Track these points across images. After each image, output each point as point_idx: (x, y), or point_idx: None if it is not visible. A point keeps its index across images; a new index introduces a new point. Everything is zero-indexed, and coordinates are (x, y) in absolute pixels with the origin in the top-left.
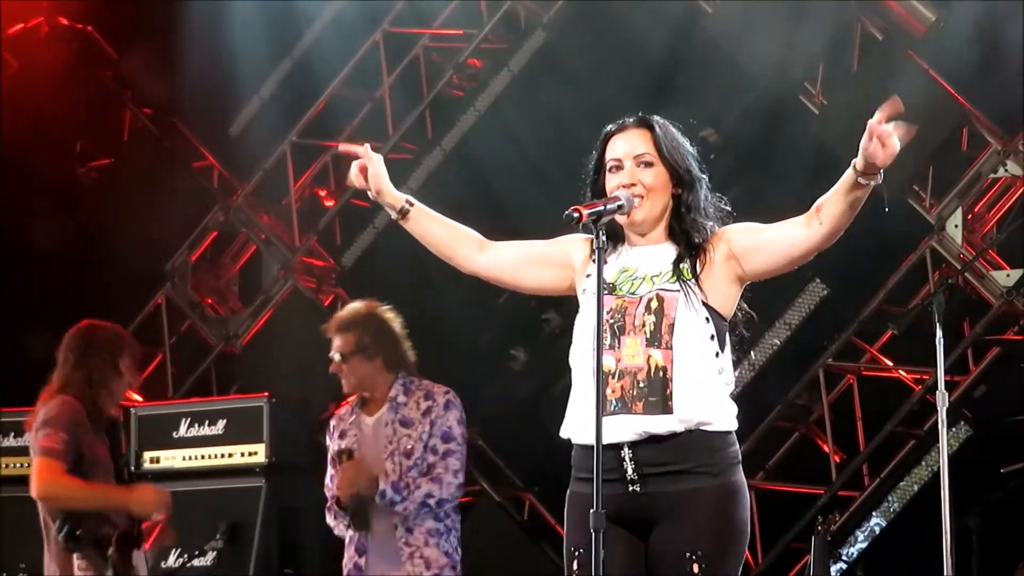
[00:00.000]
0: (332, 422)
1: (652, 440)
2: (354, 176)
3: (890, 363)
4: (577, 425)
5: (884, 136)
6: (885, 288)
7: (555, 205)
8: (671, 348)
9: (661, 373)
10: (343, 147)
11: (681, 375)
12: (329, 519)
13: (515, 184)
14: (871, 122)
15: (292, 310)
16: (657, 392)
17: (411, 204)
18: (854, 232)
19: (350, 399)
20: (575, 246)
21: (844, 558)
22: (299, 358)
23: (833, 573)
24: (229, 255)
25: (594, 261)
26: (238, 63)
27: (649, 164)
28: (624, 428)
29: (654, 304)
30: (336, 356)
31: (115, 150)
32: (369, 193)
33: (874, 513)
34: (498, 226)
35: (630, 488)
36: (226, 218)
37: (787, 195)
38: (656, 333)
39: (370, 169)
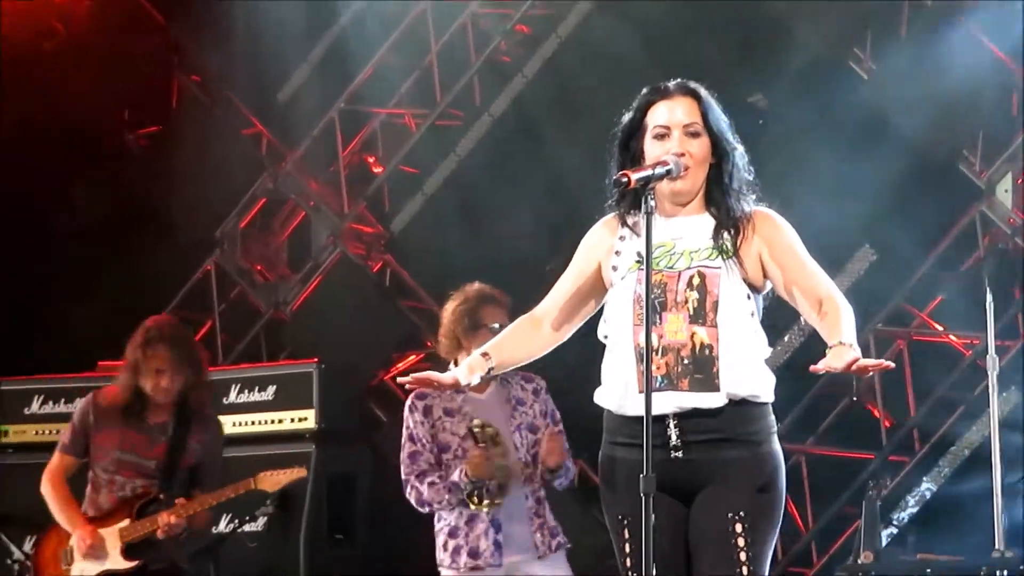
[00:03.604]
0: (415, 400)
1: (697, 413)
2: (440, 387)
3: (940, 328)
4: (613, 398)
5: (863, 374)
6: (935, 253)
7: (604, 171)
8: (716, 326)
9: (707, 351)
10: (408, 384)
11: (727, 352)
12: (430, 493)
13: (564, 149)
14: (861, 363)
15: (341, 276)
16: (703, 370)
17: (489, 359)
18: (905, 198)
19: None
20: (597, 242)
21: (895, 523)
22: (348, 324)
23: (884, 538)
24: (278, 222)
25: (621, 239)
26: (286, 29)
27: (696, 134)
28: (669, 402)
29: (696, 280)
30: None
31: (164, 117)
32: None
33: (925, 478)
34: (548, 192)
35: (672, 455)
36: (275, 185)
37: (835, 161)
38: (700, 310)
39: (444, 380)
